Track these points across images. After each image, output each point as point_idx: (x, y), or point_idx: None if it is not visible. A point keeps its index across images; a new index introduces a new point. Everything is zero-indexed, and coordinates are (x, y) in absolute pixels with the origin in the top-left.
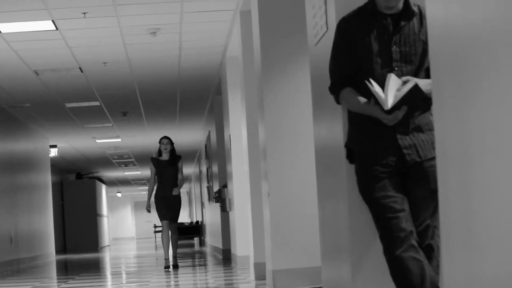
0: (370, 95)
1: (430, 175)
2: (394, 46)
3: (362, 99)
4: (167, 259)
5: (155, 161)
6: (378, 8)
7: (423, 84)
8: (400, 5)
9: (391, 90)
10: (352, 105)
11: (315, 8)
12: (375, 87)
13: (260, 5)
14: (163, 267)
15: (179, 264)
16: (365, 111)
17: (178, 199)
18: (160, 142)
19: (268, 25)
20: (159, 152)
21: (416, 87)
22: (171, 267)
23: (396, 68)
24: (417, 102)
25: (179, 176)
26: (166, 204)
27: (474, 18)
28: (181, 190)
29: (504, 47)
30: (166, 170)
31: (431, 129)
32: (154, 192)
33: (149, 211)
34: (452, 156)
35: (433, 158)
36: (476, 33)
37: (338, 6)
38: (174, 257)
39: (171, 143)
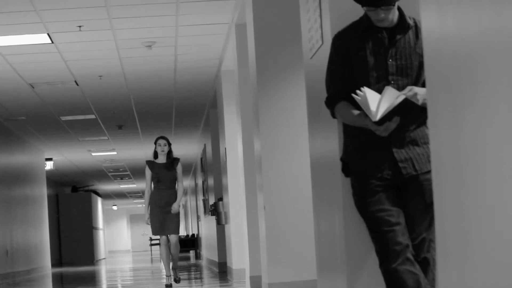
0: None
1: (425, 188)
2: (390, 60)
3: (356, 112)
4: (168, 276)
5: (150, 164)
6: (372, 22)
7: (423, 92)
8: (395, 18)
9: (384, 102)
10: (346, 118)
11: (310, 22)
12: (365, 98)
13: (255, 18)
14: (162, 282)
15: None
16: (357, 123)
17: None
18: (156, 143)
19: (263, 38)
20: (155, 154)
21: (406, 100)
22: (172, 283)
23: (392, 82)
24: (411, 113)
25: (179, 184)
26: (163, 214)
27: (469, 31)
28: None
29: (499, 60)
30: (163, 174)
31: (426, 142)
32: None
33: (148, 223)
34: (447, 170)
35: (429, 172)
36: (471, 46)
37: (333, 19)
38: (174, 268)
39: (169, 144)
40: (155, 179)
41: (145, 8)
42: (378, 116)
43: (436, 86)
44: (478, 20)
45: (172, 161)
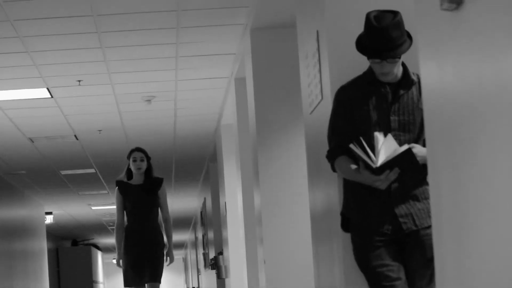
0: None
1: (426, 243)
2: (393, 115)
3: (354, 166)
4: None
5: (122, 186)
6: (376, 76)
7: (422, 154)
8: (399, 73)
9: (384, 149)
10: (345, 172)
11: (310, 77)
12: (377, 141)
13: (255, 72)
14: None
15: None
16: (356, 178)
17: (158, 247)
18: (129, 157)
19: (263, 92)
20: (128, 173)
21: (408, 151)
22: None
23: (394, 138)
24: (411, 167)
25: (163, 214)
26: (139, 256)
27: (469, 86)
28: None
29: (499, 115)
30: (139, 201)
31: (427, 197)
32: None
33: (120, 265)
34: (448, 225)
35: (429, 227)
36: (471, 101)
37: (332, 75)
38: None
39: (147, 158)
40: (129, 207)
41: (144, 63)
42: (379, 162)
43: (436, 141)
44: (478, 75)
45: (152, 182)
